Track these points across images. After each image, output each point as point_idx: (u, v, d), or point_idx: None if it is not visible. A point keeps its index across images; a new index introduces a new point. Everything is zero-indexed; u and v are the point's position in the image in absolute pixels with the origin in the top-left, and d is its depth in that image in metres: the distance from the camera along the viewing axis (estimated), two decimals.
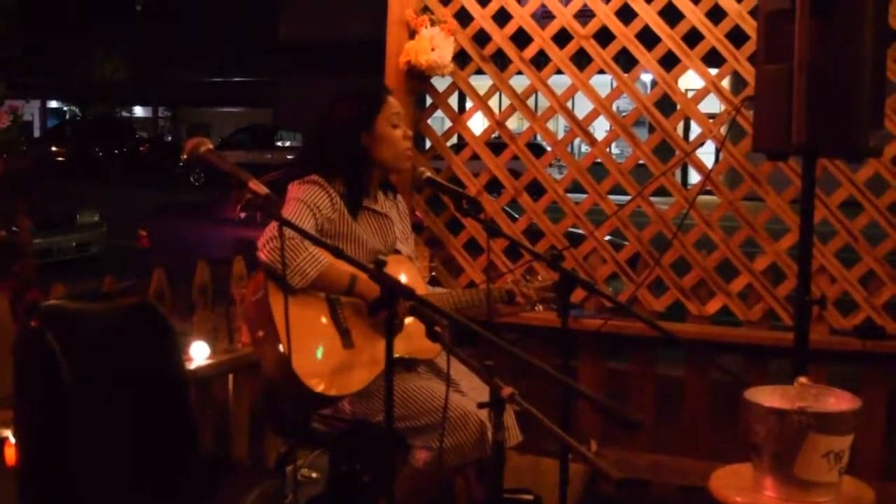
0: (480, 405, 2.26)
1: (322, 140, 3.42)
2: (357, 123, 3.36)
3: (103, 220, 13.12)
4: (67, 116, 41.96)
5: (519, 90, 4.54)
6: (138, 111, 44.03)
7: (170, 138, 39.11)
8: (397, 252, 3.44)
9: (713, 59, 4.24)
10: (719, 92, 4.22)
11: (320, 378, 3.06)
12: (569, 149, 4.61)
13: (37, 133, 38.27)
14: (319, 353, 3.10)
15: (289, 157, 28.14)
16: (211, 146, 2.69)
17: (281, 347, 3.01)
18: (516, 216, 4.75)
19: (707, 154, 4.35)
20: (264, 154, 28.47)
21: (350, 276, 3.13)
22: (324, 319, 3.16)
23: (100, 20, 38.26)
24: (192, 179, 27.63)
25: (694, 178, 19.36)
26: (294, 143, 30.22)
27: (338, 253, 2.65)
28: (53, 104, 43.43)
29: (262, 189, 2.58)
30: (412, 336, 3.12)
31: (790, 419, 2.67)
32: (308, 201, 3.20)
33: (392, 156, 3.41)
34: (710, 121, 4.27)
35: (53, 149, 30.77)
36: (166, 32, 39.16)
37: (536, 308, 3.61)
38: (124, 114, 42.73)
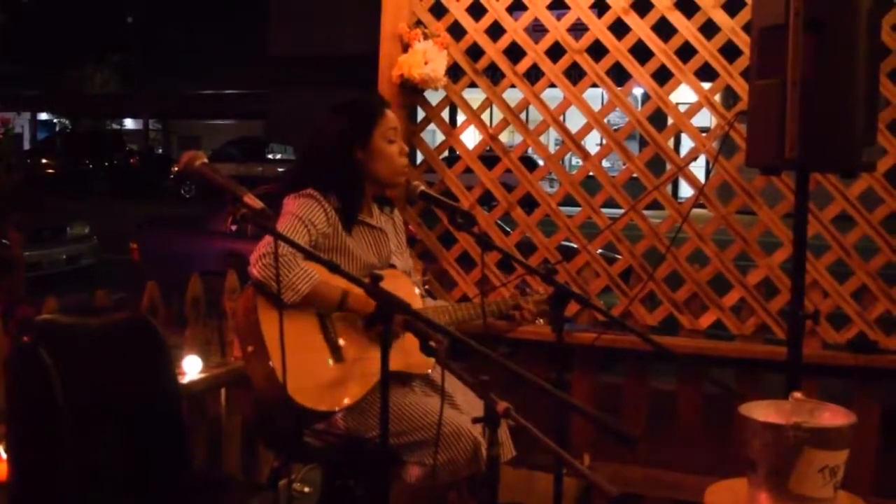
0: (475, 420, 2.26)
1: (316, 153, 3.39)
2: (352, 138, 3.33)
3: (93, 233, 13.08)
4: (58, 129, 41.95)
5: (512, 104, 4.54)
6: (129, 123, 43.96)
7: (160, 151, 39.10)
8: (392, 266, 3.43)
9: (706, 73, 4.25)
10: (712, 106, 4.23)
11: (310, 393, 3.04)
12: (561, 163, 4.61)
13: (27, 145, 38.21)
14: (308, 368, 3.07)
15: (280, 169, 28.17)
16: (206, 160, 2.68)
17: (271, 363, 3.00)
18: (509, 230, 4.75)
19: (698, 168, 4.36)
20: (255, 167, 28.49)
21: (342, 292, 3.12)
22: (313, 334, 3.14)
23: (91, 32, 38.27)
24: (182, 192, 27.62)
25: (684, 192, 19.32)
26: (285, 155, 30.24)
27: (334, 268, 2.64)
28: (44, 116, 43.36)
29: (256, 203, 2.57)
30: (407, 350, 3.12)
31: (786, 434, 2.67)
32: (303, 216, 3.18)
33: (388, 172, 3.39)
34: (703, 135, 4.27)
35: (43, 161, 30.76)
36: (157, 45, 39.19)
37: (538, 321, 3.61)
38: (115, 126, 42.72)
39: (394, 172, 3.40)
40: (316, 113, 3.47)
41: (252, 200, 2.57)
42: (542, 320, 3.61)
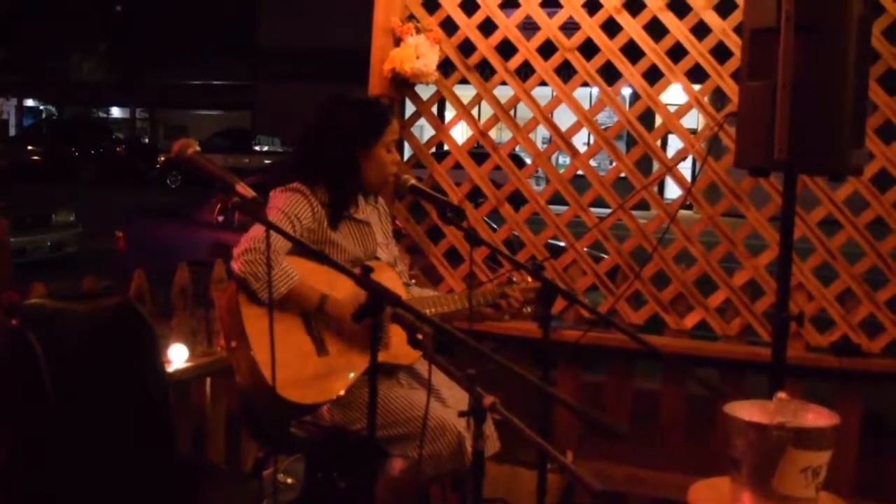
0: (461, 414, 2.26)
1: (318, 143, 3.35)
2: (357, 138, 3.32)
3: (78, 221, 13.02)
4: (44, 115, 41.73)
5: (502, 101, 4.54)
6: (115, 112, 43.74)
7: (147, 140, 38.93)
8: (377, 259, 3.42)
9: (696, 74, 4.27)
10: (702, 107, 4.24)
11: (295, 388, 3.02)
12: (549, 160, 4.62)
13: (13, 132, 37.97)
14: (293, 363, 3.06)
15: (266, 161, 28.11)
16: (198, 148, 2.68)
17: (254, 357, 2.99)
18: (495, 227, 4.75)
19: (685, 169, 4.37)
20: (242, 158, 28.41)
21: (320, 295, 3.11)
22: (297, 327, 3.14)
23: (78, 20, 38.03)
24: (168, 182, 27.52)
25: (671, 193, 19.32)
26: (272, 147, 30.19)
27: (322, 257, 2.64)
28: (30, 103, 43.12)
29: (249, 192, 2.57)
30: (392, 342, 3.12)
31: (769, 434, 2.69)
32: (288, 212, 3.17)
33: (376, 178, 3.39)
34: (692, 136, 4.29)
35: (29, 148, 30.53)
36: (145, 34, 38.98)
37: (525, 310, 3.61)
38: (101, 114, 42.51)
39: (381, 180, 3.42)
40: (301, 107, 3.44)
41: (244, 189, 2.57)
42: (528, 309, 3.60)
